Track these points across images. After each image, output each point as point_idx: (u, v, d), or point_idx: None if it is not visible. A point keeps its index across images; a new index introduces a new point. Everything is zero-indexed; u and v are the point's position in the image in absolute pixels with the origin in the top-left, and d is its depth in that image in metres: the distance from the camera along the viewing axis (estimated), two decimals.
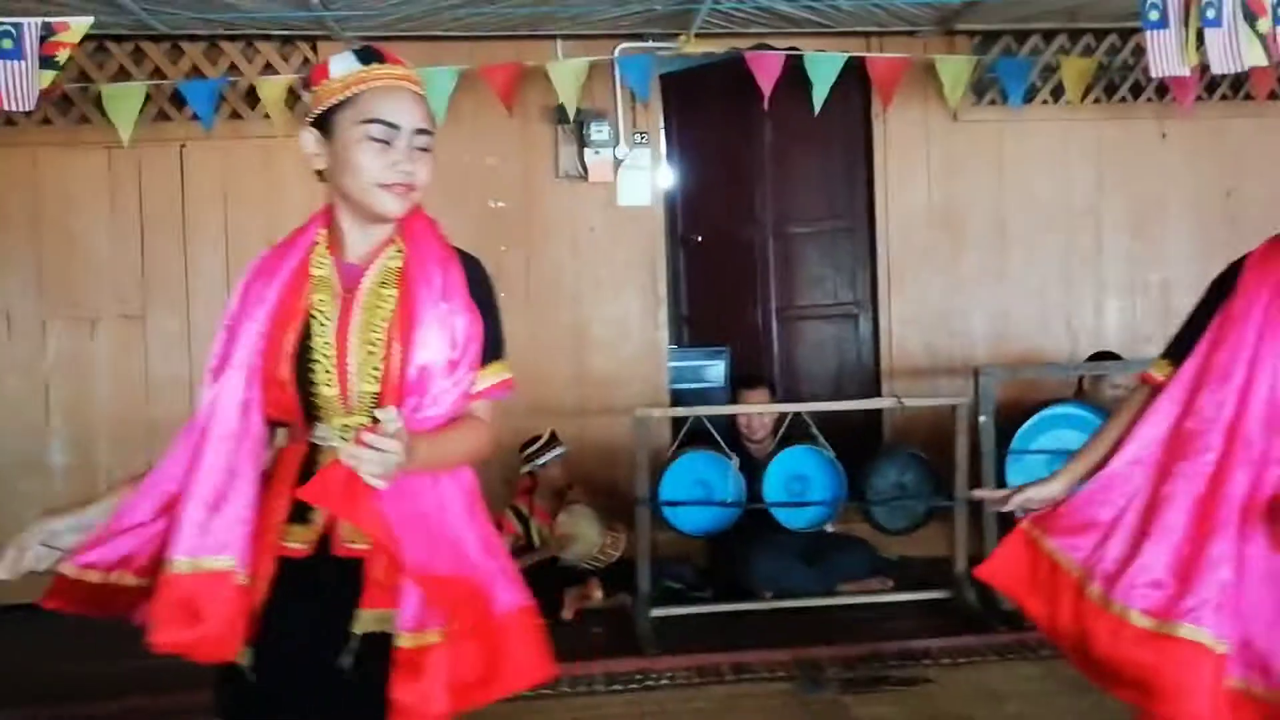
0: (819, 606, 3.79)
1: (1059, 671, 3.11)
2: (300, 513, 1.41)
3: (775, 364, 5.05)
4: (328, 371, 1.41)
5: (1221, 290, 1.75)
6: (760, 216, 5.07)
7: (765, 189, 5.05)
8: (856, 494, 3.91)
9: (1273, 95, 4.74)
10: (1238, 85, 4.66)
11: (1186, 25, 3.70)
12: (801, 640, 3.43)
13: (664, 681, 3.21)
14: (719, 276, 5.22)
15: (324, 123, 1.43)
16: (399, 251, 1.47)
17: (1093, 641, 1.65)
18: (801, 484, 3.91)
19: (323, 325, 1.42)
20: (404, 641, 1.33)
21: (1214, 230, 4.82)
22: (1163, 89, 4.37)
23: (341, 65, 1.43)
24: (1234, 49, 3.64)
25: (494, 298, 1.52)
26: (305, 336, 1.42)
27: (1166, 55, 3.73)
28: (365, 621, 1.37)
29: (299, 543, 1.41)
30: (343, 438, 1.38)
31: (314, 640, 1.38)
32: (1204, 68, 3.59)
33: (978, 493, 2.36)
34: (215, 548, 1.36)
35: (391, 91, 1.42)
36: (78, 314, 4.41)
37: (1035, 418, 3.94)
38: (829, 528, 4.00)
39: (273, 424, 1.49)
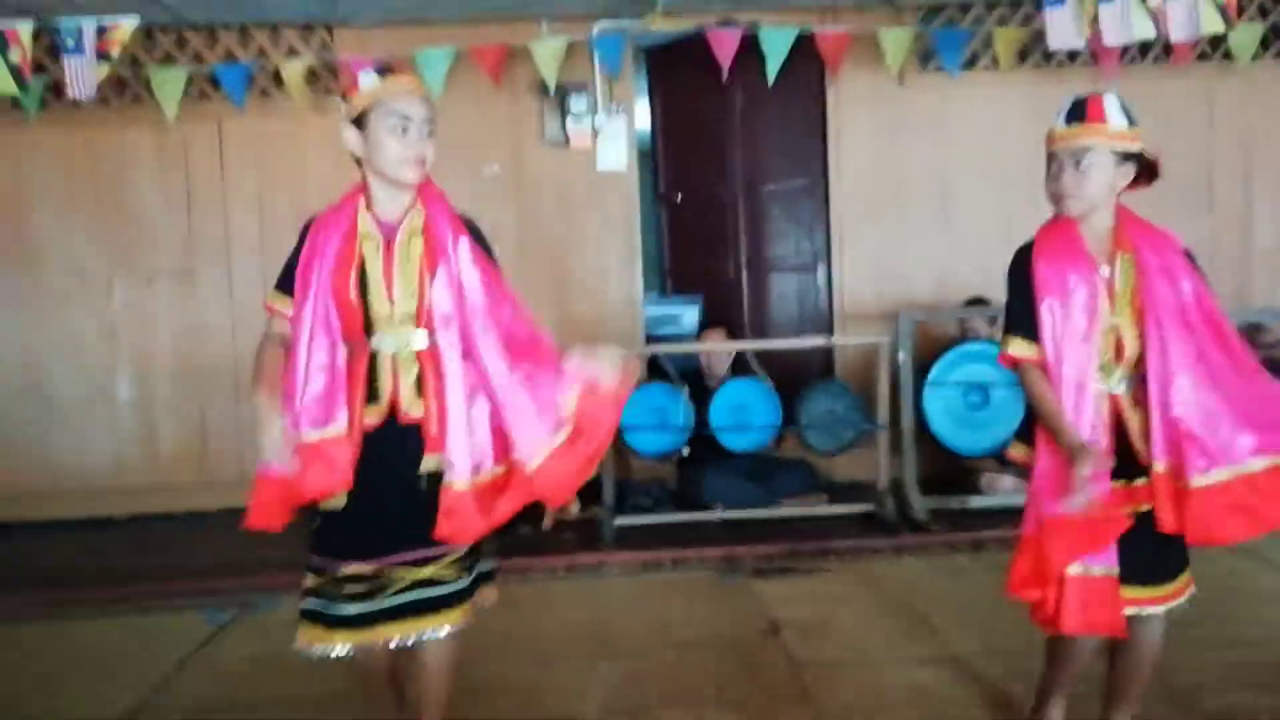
0: (762, 518, 4.40)
1: (939, 564, 3.75)
2: (373, 395, 2.05)
3: (745, 310, 5.61)
4: (381, 294, 2.04)
5: (1024, 274, 2.10)
6: (731, 176, 5.59)
7: (736, 151, 5.56)
8: (791, 420, 4.51)
9: (1202, 54, 5.13)
10: (1169, 49, 5.04)
11: (1082, 1, 4.16)
12: (734, 541, 4.07)
13: (614, 572, 3.89)
14: (696, 232, 5.77)
15: (360, 122, 2.04)
16: (420, 212, 2.09)
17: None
18: (744, 412, 4.53)
19: (374, 264, 2.05)
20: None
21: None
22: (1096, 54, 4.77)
23: (367, 80, 2.04)
24: (1126, 23, 4.11)
25: (488, 246, 2.16)
26: (362, 273, 2.04)
27: (1063, 29, 4.20)
28: (427, 463, 2.04)
29: (373, 417, 2.05)
30: (394, 344, 2.03)
31: (392, 478, 2.03)
32: None
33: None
34: (328, 421, 2.01)
35: (406, 96, 2.04)
36: (137, 270, 5.14)
37: (947, 354, 4.49)
38: (766, 449, 4.59)
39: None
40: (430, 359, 2.04)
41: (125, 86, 4.94)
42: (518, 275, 4.98)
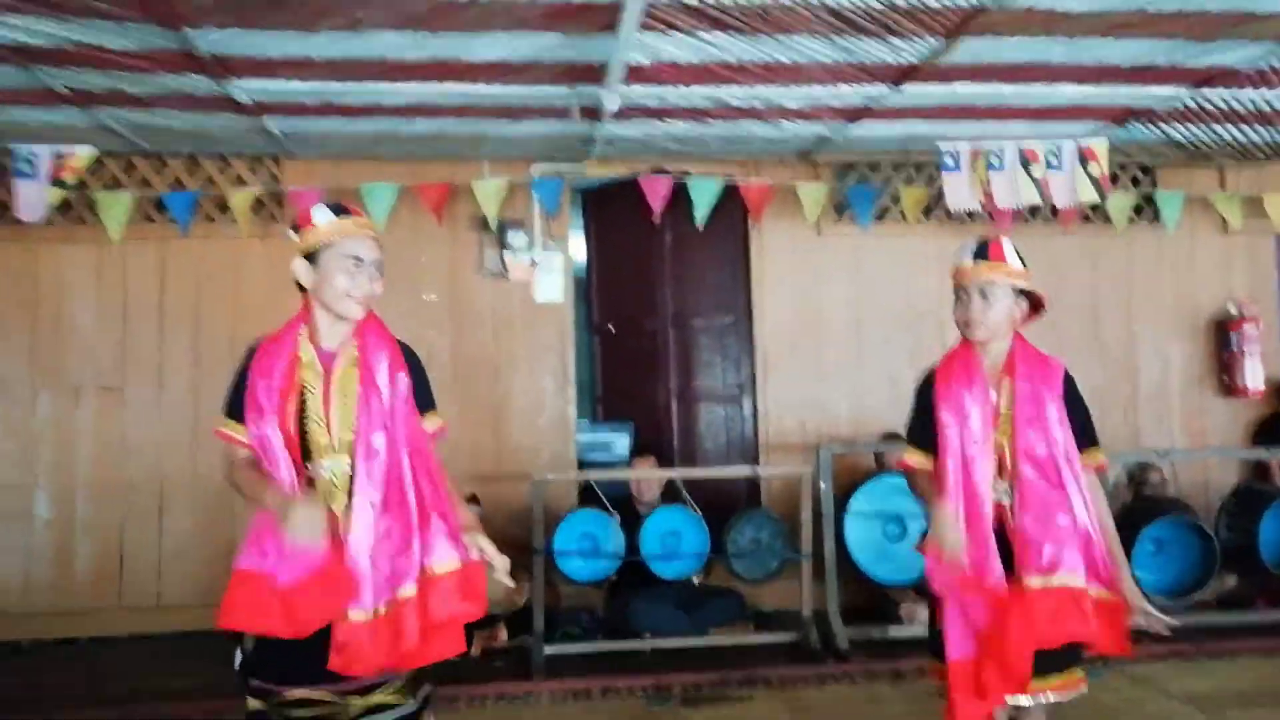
0: (691, 647, 4.45)
1: (860, 691, 3.86)
2: None
3: (675, 438, 5.80)
4: (319, 424, 2.12)
5: (927, 394, 2.41)
6: (662, 310, 5.87)
7: (666, 287, 5.86)
8: (719, 548, 4.64)
9: (1085, 218, 5.69)
10: (1056, 212, 5.58)
11: (975, 169, 4.63)
12: (663, 669, 4.11)
13: (543, 699, 3.88)
14: (628, 362, 6.00)
15: (311, 256, 2.16)
16: (354, 344, 2.19)
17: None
18: (675, 539, 4.64)
19: (313, 393, 2.13)
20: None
21: (1037, 330, 5.61)
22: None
23: (322, 217, 2.17)
24: (1014, 189, 4.58)
25: (423, 370, 2.27)
26: (301, 403, 2.13)
27: (959, 192, 4.65)
28: None
29: None
30: (331, 473, 2.09)
31: None
32: None
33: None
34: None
35: (360, 238, 2.17)
36: (64, 383, 5.10)
37: (866, 485, 4.72)
38: (695, 579, 4.69)
39: None
40: (359, 487, 2.08)
41: (70, 207, 5.02)
42: (455, 400, 5.22)
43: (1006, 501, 2.31)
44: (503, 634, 4.59)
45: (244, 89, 4.02)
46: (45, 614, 4.93)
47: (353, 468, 2.09)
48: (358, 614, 2.02)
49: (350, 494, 2.09)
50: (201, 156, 5.17)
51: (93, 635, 4.89)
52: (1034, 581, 2.22)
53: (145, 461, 5.09)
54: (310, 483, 2.11)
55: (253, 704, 2.08)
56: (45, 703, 3.84)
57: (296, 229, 2.19)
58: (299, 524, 1.97)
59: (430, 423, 2.23)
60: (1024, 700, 2.27)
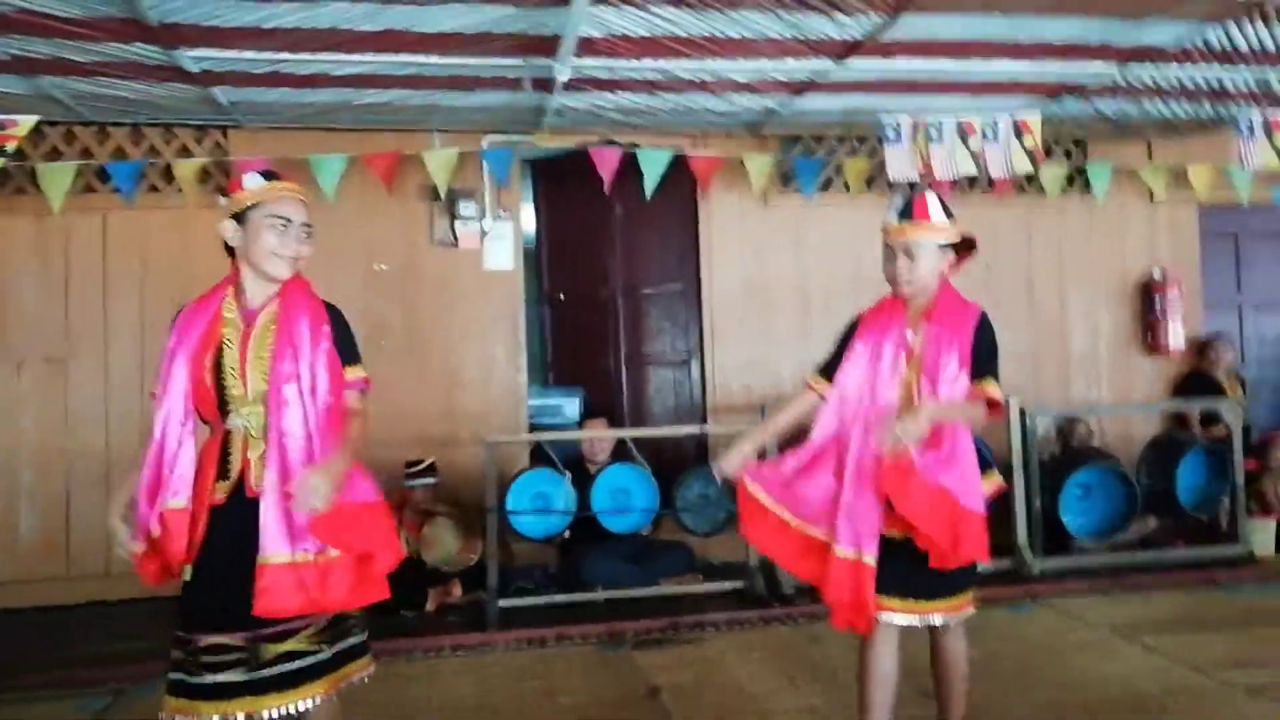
0: (642, 596, 4.60)
1: (802, 631, 4.05)
2: (224, 472, 2.18)
3: (625, 401, 5.93)
4: (235, 376, 2.19)
5: (849, 333, 2.61)
6: (612, 279, 5.98)
7: (616, 256, 5.97)
8: (669, 504, 4.80)
9: (1020, 188, 5.91)
10: (993, 183, 5.78)
11: (916, 141, 4.80)
12: (616, 618, 4.26)
13: (499, 649, 4.01)
14: (579, 329, 6.10)
15: (240, 218, 2.23)
16: (278, 302, 2.26)
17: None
18: (625, 495, 4.79)
19: (230, 347, 2.21)
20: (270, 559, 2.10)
21: (976, 295, 5.78)
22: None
23: (252, 182, 2.25)
24: (951, 160, 4.75)
25: (347, 326, 2.32)
26: (219, 356, 2.20)
27: (900, 163, 4.81)
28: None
29: (222, 493, 2.18)
30: (246, 422, 2.17)
31: (240, 552, 2.11)
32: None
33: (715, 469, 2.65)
34: (173, 495, 2.13)
35: (288, 200, 2.25)
36: (6, 356, 5.05)
37: None
38: (644, 531, 4.85)
39: (202, 421, 2.25)
40: (272, 437, 2.15)
41: (8, 178, 4.95)
42: (408, 368, 5.29)
43: None
44: (457, 590, 4.71)
45: (193, 58, 4.01)
46: None
47: (272, 418, 2.16)
48: (278, 557, 2.09)
49: (265, 442, 2.16)
50: (145, 126, 5.12)
51: (40, 604, 4.89)
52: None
53: (92, 432, 5.07)
54: (226, 435, 2.19)
55: (175, 654, 2.14)
56: (7, 668, 3.85)
57: (225, 194, 2.27)
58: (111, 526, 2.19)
59: (351, 373, 2.30)
60: (915, 620, 2.44)
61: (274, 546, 2.09)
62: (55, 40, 3.77)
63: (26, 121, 4.24)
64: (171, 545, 2.12)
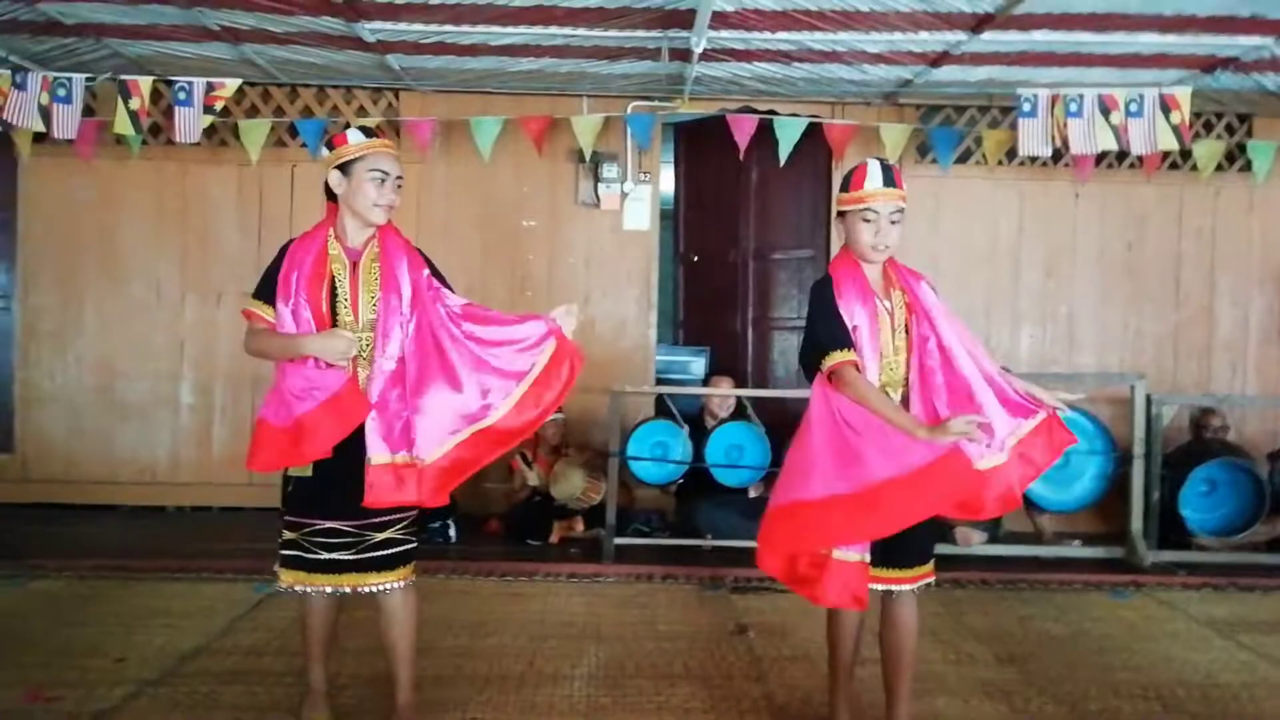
0: (747, 548, 4.84)
1: None
2: None
3: (749, 362, 6.18)
4: (346, 306, 2.57)
5: (829, 300, 2.52)
6: (744, 243, 6.20)
7: (749, 220, 6.18)
8: (780, 463, 5.02)
9: (1174, 165, 5.72)
10: (1142, 159, 5.62)
11: (1053, 114, 4.76)
12: (721, 565, 4.57)
13: (610, 580, 4.39)
14: (709, 290, 6.37)
15: (345, 168, 2.59)
16: (378, 244, 2.63)
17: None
18: (739, 452, 5.06)
19: (341, 281, 2.59)
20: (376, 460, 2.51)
21: (1115, 274, 5.83)
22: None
23: (355, 138, 2.61)
24: (1091, 135, 4.70)
25: (441, 273, 2.68)
26: (332, 288, 2.58)
27: (1033, 138, 4.79)
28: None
29: None
30: (357, 340, 2.53)
31: (350, 456, 2.50)
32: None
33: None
34: (320, 391, 2.51)
35: (385, 155, 2.60)
36: (208, 289, 5.80)
37: None
38: (752, 492, 5.09)
39: None
40: (376, 359, 2.51)
41: (214, 131, 5.62)
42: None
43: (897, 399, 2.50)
44: (580, 525, 5.12)
45: (370, 29, 4.49)
46: (187, 484, 5.73)
47: (378, 343, 2.52)
48: (380, 459, 2.48)
49: (371, 362, 2.53)
50: (329, 88, 5.70)
51: (226, 505, 5.67)
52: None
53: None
54: None
55: (287, 535, 2.58)
56: (194, 554, 4.55)
57: (331, 147, 2.61)
58: (332, 343, 2.45)
59: (456, 297, 2.65)
60: (893, 589, 2.55)
61: (376, 450, 2.49)
62: (257, 13, 4.32)
63: (232, 83, 4.86)
64: (308, 440, 2.46)
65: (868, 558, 2.51)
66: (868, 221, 2.48)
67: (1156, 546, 4.84)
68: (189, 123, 4.74)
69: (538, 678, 3.13)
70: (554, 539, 5.04)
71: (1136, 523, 4.84)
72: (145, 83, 4.78)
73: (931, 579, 2.63)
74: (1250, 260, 5.88)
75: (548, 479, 5.22)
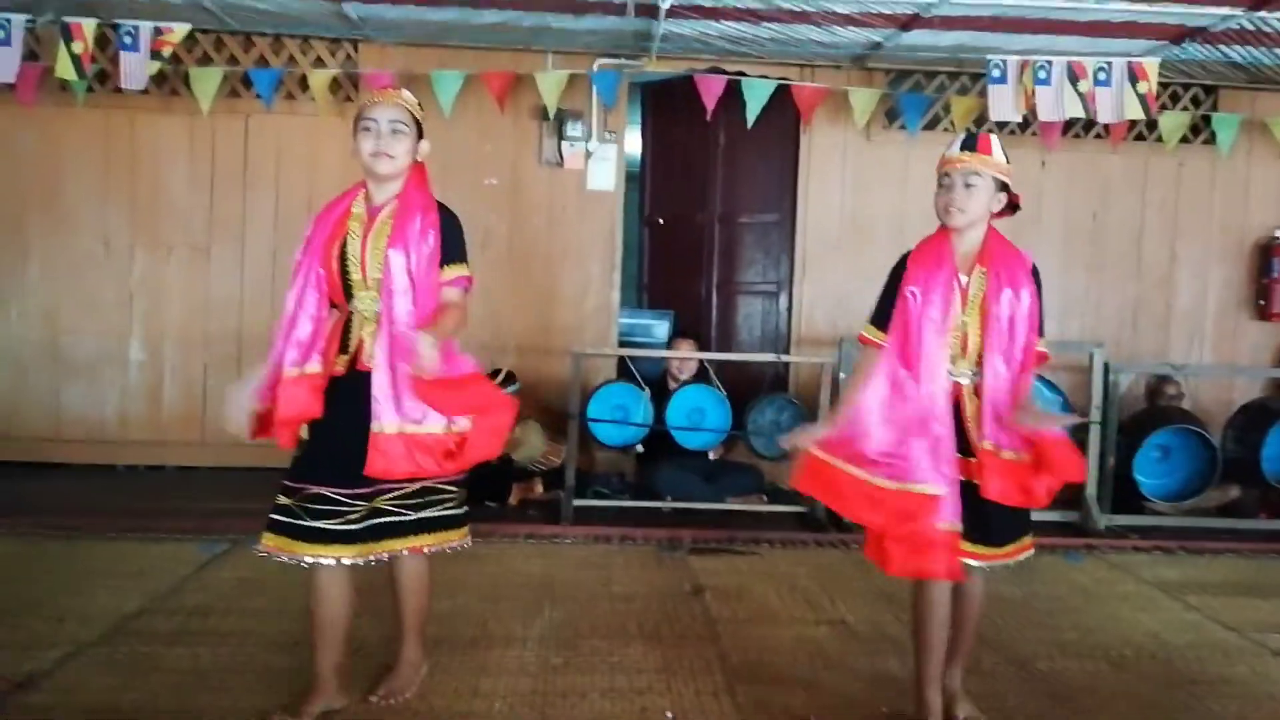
0: (706, 510, 4.86)
1: (854, 557, 4.23)
2: (344, 348, 2.49)
3: (713, 327, 6.13)
4: (355, 264, 2.49)
5: (897, 275, 2.61)
6: (710, 206, 6.12)
7: (716, 183, 6.10)
8: (741, 427, 5.01)
9: (1140, 136, 5.72)
10: (1108, 129, 5.61)
11: (1022, 81, 4.72)
12: (679, 526, 4.55)
13: (568, 541, 4.36)
14: (675, 253, 6.29)
15: (354, 131, 2.53)
16: (397, 202, 2.53)
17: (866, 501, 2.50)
18: (700, 415, 5.03)
19: (354, 239, 2.51)
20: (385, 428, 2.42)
21: (1080, 243, 5.85)
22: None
23: (362, 99, 2.53)
24: (1058, 103, 4.67)
25: (457, 227, 2.58)
26: (344, 246, 2.50)
27: (1003, 103, 4.76)
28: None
29: (341, 366, 2.49)
30: (363, 305, 2.45)
31: (351, 419, 2.41)
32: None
33: (783, 440, 2.76)
34: (306, 362, 2.44)
35: (373, 105, 2.52)
36: (158, 243, 5.63)
37: None
38: (712, 454, 5.08)
39: (332, 306, 2.55)
40: (383, 319, 2.40)
41: (165, 80, 5.42)
42: (506, 280, 5.64)
43: (966, 382, 2.49)
44: (539, 488, 5.08)
45: None
46: (137, 443, 5.59)
47: (385, 303, 2.43)
48: (388, 426, 2.39)
49: (376, 324, 2.44)
50: (286, 37, 5.52)
51: (177, 464, 5.55)
52: (986, 445, 2.44)
53: (228, 314, 5.62)
54: (349, 316, 2.48)
55: (280, 500, 2.47)
56: (143, 513, 4.44)
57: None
58: (225, 408, 2.45)
59: (449, 272, 2.53)
60: (985, 566, 2.49)
61: (385, 416, 2.39)
62: None
63: (181, 28, 4.68)
64: (298, 405, 2.40)
65: (959, 526, 2.43)
66: (942, 186, 2.51)
67: (1110, 511, 4.90)
68: (135, 69, 4.57)
69: (489, 640, 3.09)
70: (513, 501, 4.98)
71: (1091, 488, 4.89)
72: (89, 25, 4.59)
73: (1008, 560, 2.54)
74: (1211, 233, 5.93)
75: (507, 442, 5.14)
